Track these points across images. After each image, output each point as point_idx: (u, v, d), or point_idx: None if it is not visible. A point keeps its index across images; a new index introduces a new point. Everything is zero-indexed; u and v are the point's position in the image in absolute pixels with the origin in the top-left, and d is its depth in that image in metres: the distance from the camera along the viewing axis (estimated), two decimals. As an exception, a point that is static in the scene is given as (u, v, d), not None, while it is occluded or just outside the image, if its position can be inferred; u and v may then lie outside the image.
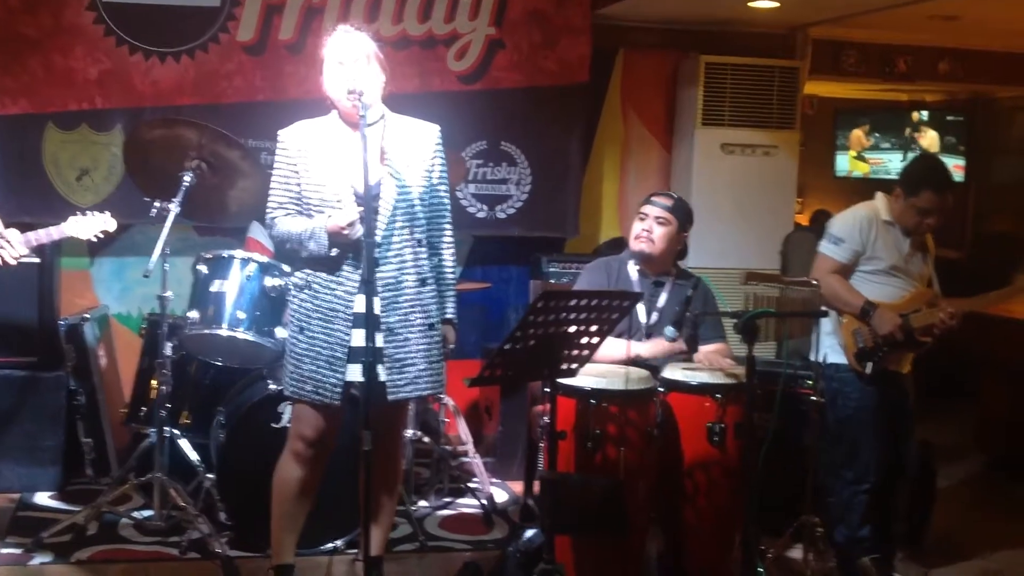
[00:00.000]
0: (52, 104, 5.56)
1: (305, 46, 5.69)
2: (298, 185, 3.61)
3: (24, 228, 4.31)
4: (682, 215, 4.42)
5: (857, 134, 8.95)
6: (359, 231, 3.44)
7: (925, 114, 8.81)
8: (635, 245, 4.40)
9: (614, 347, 4.03)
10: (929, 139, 8.74)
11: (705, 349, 4.33)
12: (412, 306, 3.59)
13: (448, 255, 3.75)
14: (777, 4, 5.88)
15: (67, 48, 5.52)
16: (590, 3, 6.13)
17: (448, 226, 3.76)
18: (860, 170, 8.88)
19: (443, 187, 3.73)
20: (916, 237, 4.32)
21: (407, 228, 3.58)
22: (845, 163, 9.01)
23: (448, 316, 3.76)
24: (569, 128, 6.23)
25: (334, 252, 3.53)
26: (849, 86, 8.24)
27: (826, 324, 4.30)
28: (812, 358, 4.27)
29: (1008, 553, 4.81)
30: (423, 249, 3.64)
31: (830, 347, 4.32)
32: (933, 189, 4.21)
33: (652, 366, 4.20)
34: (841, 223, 4.38)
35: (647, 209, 4.42)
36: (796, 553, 4.31)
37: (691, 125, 6.35)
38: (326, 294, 3.58)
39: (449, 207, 3.76)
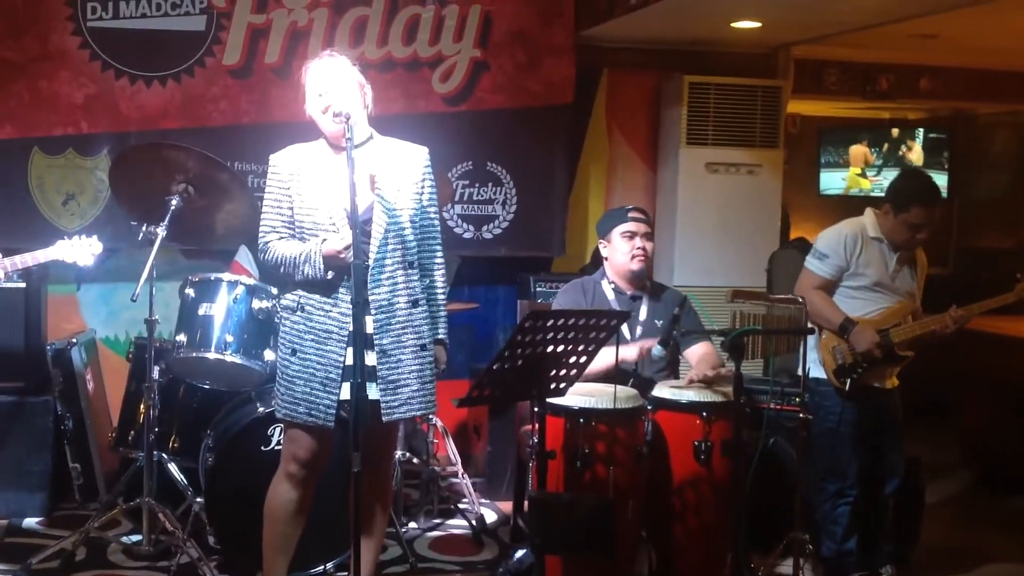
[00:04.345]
0: (38, 129, 5.57)
1: (291, 70, 5.70)
2: (290, 209, 3.61)
3: (8, 253, 4.30)
4: (652, 226, 4.47)
5: (860, 150, 8.95)
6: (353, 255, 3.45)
7: (920, 132, 8.84)
8: (634, 265, 4.38)
9: (603, 356, 4.02)
10: (915, 154, 8.79)
11: (693, 355, 4.34)
12: (404, 327, 3.60)
13: (439, 276, 3.76)
14: (759, 24, 5.93)
15: (53, 73, 5.53)
16: (574, 24, 6.17)
17: (439, 248, 3.77)
18: (862, 187, 8.89)
19: (433, 209, 3.74)
20: (905, 252, 4.36)
21: (399, 250, 3.59)
22: (831, 181, 9.04)
23: (439, 337, 3.76)
24: (554, 148, 6.26)
25: (330, 275, 3.54)
26: (832, 104, 8.29)
27: (811, 339, 4.32)
28: (799, 371, 4.30)
29: (997, 567, 4.82)
30: (414, 271, 3.65)
31: (813, 361, 4.34)
32: (923, 204, 4.24)
33: (641, 382, 4.22)
34: (827, 239, 4.41)
35: (634, 227, 4.41)
36: (786, 569, 4.31)
37: (675, 144, 6.39)
38: (320, 315, 3.58)
39: (439, 229, 3.78)
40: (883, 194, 4.54)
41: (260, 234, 3.67)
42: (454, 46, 6.01)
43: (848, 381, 4.26)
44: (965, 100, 8.08)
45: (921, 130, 8.64)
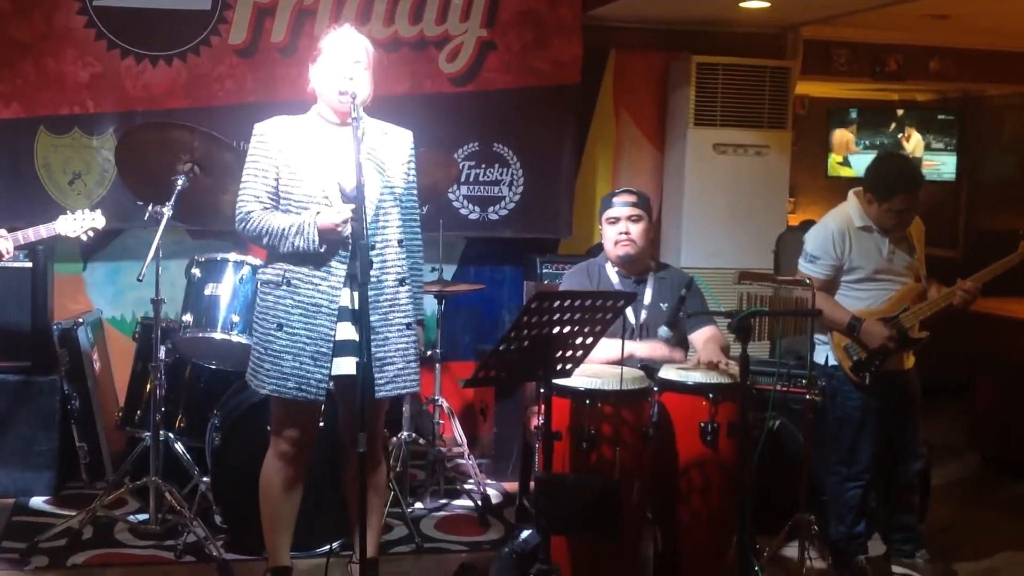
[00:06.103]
0: (44, 108, 5.55)
1: (297, 48, 5.69)
2: (276, 180, 3.57)
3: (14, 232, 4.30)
4: (648, 207, 4.40)
5: (843, 136, 8.85)
6: (349, 229, 3.44)
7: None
8: (618, 251, 4.32)
9: (609, 348, 4.02)
10: (915, 141, 8.74)
11: (699, 339, 4.32)
12: (391, 305, 3.60)
13: (418, 257, 3.77)
14: (768, 4, 5.90)
15: (58, 52, 5.51)
16: (581, 4, 6.14)
17: (418, 229, 3.77)
18: (846, 174, 8.79)
19: (414, 191, 3.76)
20: (896, 232, 4.31)
21: (388, 228, 3.60)
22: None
23: (419, 317, 3.78)
24: (561, 129, 6.24)
25: (323, 248, 3.51)
26: (840, 86, 8.25)
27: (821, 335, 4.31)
28: (812, 357, 4.26)
29: (1003, 551, 4.81)
30: (401, 249, 3.65)
31: (830, 350, 4.31)
32: (906, 191, 4.16)
33: (648, 367, 4.21)
34: (814, 239, 4.32)
35: (616, 211, 4.34)
36: (791, 551, 4.31)
37: (683, 125, 6.37)
38: (308, 288, 3.55)
39: (419, 211, 3.79)
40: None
41: (240, 202, 3.59)
42: (461, 25, 5.99)
43: (867, 376, 4.23)
44: (975, 81, 8.04)
45: (937, 115, 8.57)
